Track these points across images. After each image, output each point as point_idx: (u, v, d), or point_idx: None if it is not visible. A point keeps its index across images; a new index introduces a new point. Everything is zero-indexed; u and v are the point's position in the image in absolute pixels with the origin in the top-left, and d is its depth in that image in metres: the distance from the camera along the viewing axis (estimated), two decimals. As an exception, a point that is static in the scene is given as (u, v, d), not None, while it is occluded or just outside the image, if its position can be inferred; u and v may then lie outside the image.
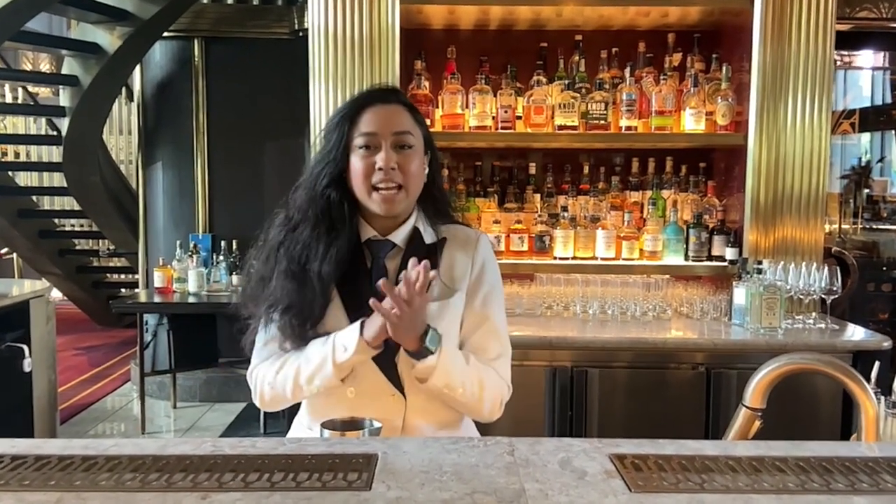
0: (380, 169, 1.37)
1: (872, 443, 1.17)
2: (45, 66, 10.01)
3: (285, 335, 1.40)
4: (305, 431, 1.48)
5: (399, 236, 1.45)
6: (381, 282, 1.26)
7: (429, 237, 1.47)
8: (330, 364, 1.34)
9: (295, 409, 1.53)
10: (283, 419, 1.48)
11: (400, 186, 1.38)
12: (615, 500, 0.90)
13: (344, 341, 1.33)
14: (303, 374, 1.38)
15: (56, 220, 6.56)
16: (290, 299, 1.38)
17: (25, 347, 3.22)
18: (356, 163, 1.39)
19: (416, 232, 1.46)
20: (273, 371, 1.42)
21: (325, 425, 1.26)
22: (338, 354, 1.33)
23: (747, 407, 1.25)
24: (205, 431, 4.38)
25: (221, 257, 4.53)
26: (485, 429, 1.53)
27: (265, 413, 4.12)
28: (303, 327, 1.38)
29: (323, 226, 1.39)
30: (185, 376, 4.87)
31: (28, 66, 10.16)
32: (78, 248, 6.81)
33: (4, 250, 7.37)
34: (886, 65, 5.29)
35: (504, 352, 1.48)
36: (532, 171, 3.17)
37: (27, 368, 3.24)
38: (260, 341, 1.47)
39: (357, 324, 1.33)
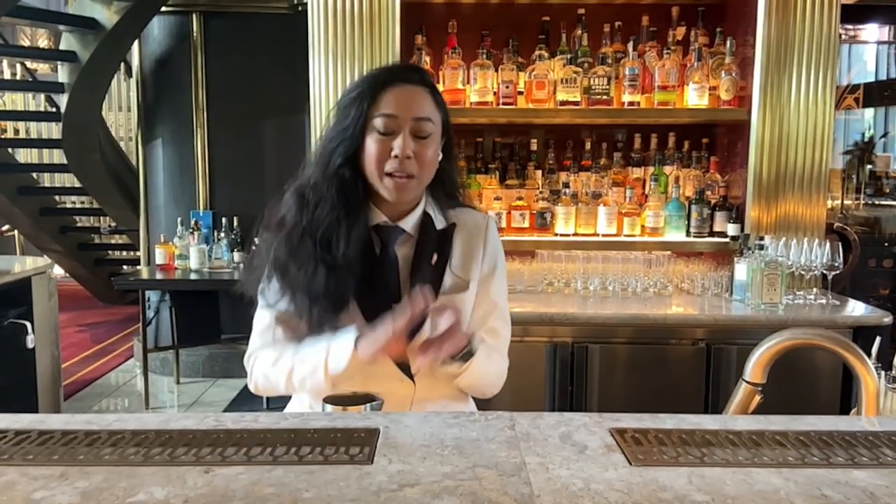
0: (395, 156, 1.31)
1: (872, 417, 1.18)
2: (42, 42, 9.92)
3: (308, 325, 1.33)
4: (305, 409, 1.47)
5: (409, 223, 1.41)
6: (418, 301, 1.19)
7: (439, 223, 1.43)
8: (321, 373, 1.28)
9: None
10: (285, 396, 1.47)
11: (412, 175, 1.33)
12: (616, 474, 0.90)
13: (337, 354, 1.26)
14: (296, 375, 1.33)
15: (57, 198, 6.54)
16: (321, 286, 1.30)
17: (28, 324, 3.25)
18: (371, 145, 1.32)
19: (426, 218, 1.42)
20: (270, 362, 1.36)
21: (327, 400, 1.26)
22: (331, 366, 1.27)
23: (748, 382, 1.25)
24: (208, 407, 4.41)
25: (223, 234, 4.53)
26: (485, 403, 1.53)
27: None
28: (329, 315, 1.31)
29: (341, 206, 1.33)
30: (188, 352, 4.89)
31: (26, 42, 10.07)
32: (79, 225, 6.81)
33: (6, 227, 7.36)
34: (892, 38, 5.24)
35: (508, 333, 1.50)
36: (533, 147, 3.15)
37: (30, 345, 3.27)
38: (259, 324, 1.41)
39: (351, 337, 1.25)
